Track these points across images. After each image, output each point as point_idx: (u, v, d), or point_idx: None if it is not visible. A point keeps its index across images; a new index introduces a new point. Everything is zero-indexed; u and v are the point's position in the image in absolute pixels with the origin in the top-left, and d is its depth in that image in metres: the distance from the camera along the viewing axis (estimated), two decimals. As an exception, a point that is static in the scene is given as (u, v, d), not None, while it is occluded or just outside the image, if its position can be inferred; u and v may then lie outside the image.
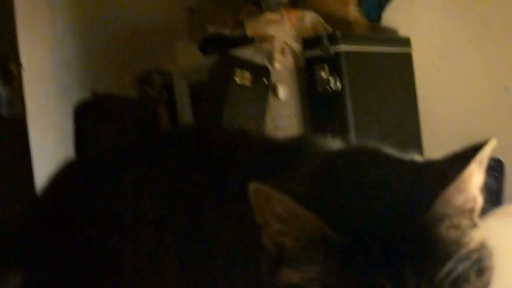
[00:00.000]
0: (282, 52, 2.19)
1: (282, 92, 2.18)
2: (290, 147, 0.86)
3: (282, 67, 2.18)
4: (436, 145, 2.30)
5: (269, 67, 2.19)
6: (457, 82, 2.36)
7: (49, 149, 2.52)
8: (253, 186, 0.63)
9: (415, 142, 2.31)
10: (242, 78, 2.14)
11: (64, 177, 1.02)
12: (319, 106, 2.15)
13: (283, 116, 2.21)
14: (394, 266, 0.60)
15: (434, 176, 0.65)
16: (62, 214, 0.96)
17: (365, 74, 2.21)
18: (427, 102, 2.36)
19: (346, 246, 0.61)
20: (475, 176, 0.66)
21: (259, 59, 2.21)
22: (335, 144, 0.83)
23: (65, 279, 0.95)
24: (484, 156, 0.65)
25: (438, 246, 0.62)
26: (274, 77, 2.19)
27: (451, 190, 0.63)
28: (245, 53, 2.23)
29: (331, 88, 2.08)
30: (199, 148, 0.93)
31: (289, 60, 2.19)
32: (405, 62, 2.36)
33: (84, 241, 0.94)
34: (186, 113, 2.34)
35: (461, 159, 0.64)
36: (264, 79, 2.17)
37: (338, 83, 2.07)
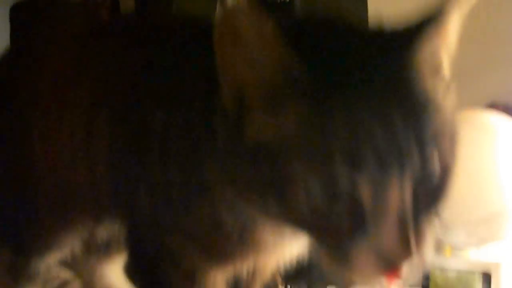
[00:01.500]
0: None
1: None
2: None
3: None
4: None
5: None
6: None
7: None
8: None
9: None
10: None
11: None
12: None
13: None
14: (379, 107, 0.59)
15: (415, 22, 0.64)
16: None
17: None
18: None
19: (316, 88, 0.59)
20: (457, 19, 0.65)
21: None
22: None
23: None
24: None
25: (421, 91, 0.61)
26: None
27: (435, 29, 0.62)
28: None
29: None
30: (136, 31, 0.91)
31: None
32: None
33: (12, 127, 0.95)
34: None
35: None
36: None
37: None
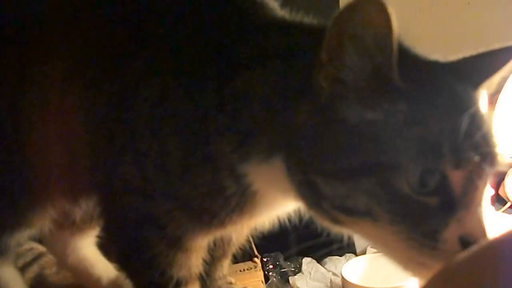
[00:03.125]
0: None
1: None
2: None
3: None
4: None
5: None
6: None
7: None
8: None
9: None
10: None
11: None
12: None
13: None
14: (474, 116, 0.64)
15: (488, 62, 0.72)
16: None
17: None
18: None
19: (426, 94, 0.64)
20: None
21: None
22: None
23: None
24: None
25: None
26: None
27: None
28: None
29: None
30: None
31: None
32: None
33: None
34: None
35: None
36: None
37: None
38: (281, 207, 0.81)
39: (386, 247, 0.66)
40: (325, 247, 1.58)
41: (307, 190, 0.68)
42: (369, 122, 0.63)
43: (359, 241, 1.58)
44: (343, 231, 0.71)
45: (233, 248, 1.03)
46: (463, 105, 0.64)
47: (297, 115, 0.67)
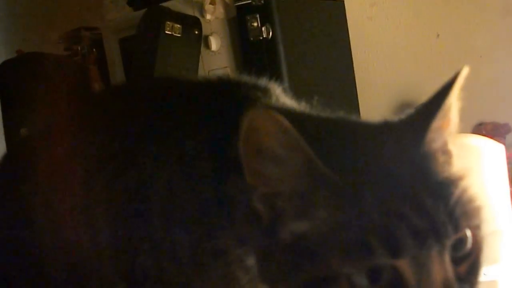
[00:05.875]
0: (213, 2, 2.15)
1: (214, 43, 2.15)
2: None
3: (213, 18, 2.15)
4: (369, 92, 2.32)
5: (200, 18, 2.15)
6: (390, 31, 2.35)
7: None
8: (255, 111, 0.61)
9: (349, 90, 2.30)
10: (173, 30, 2.10)
11: None
12: (251, 56, 2.11)
13: (216, 68, 2.18)
14: (408, 190, 0.61)
15: (421, 112, 0.69)
16: None
17: (297, 22, 2.17)
18: (360, 51, 2.35)
19: (344, 185, 0.61)
20: (455, 103, 0.70)
21: (189, 10, 2.17)
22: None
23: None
24: (460, 83, 0.69)
25: (439, 172, 0.64)
26: (205, 29, 2.16)
27: (439, 118, 0.67)
28: (175, 5, 2.18)
29: (263, 37, 2.05)
30: (129, 103, 0.92)
31: (220, 11, 2.15)
32: (337, 10, 2.32)
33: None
34: (117, 69, 2.31)
35: (442, 91, 0.68)
36: (195, 31, 2.13)
37: (270, 32, 2.05)
38: None
39: None
40: None
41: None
42: (301, 236, 0.62)
43: None
44: None
45: None
46: (395, 183, 0.61)
47: (250, 236, 0.68)
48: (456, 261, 0.62)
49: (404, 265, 0.59)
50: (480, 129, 2.13)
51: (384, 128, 0.69)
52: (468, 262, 0.64)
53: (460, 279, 0.62)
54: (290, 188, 0.63)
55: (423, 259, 0.59)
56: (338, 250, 0.59)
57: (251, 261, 0.72)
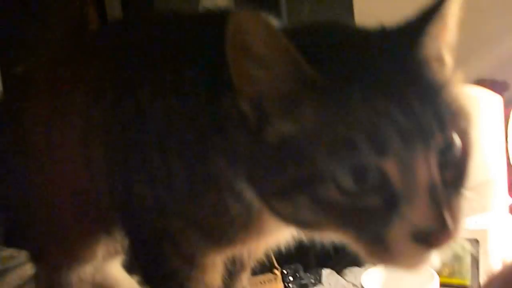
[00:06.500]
0: None
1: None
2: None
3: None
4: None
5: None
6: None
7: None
8: (242, 13, 0.60)
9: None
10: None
11: None
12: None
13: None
14: (396, 91, 0.61)
15: (419, 17, 0.68)
16: None
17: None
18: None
19: (332, 86, 0.61)
20: (455, 11, 0.69)
21: None
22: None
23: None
24: None
25: (431, 77, 0.64)
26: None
27: (436, 23, 0.66)
28: None
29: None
30: (128, 35, 0.92)
31: None
32: None
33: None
34: (115, 8, 2.26)
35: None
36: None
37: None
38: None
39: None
40: (345, 258, 1.59)
41: (270, 210, 0.69)
42: (288, 137, 0.63)
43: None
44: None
45: (252, 263, 1.06)
46: (384, 85, 0.61)
47: (239, 143, 0.69)
48: (443, 166, 0.62)
49: (389, 165, 0.59)
50: (479, 85, 2.13)
51: (379, 32, 0.69)
52: (456, 168, 0.64)
53: (447, 184, 0.62)
54: (276, 89, 0.64)
55: (408, 160, 0.59)
56: (324, 148, 0.60)
57: (240, 185, 0.73)
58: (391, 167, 0.59)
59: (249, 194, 0.73)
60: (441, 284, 1.24)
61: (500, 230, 1.31)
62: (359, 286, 1.29)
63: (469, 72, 2.04)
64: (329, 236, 0.69)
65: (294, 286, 1.57)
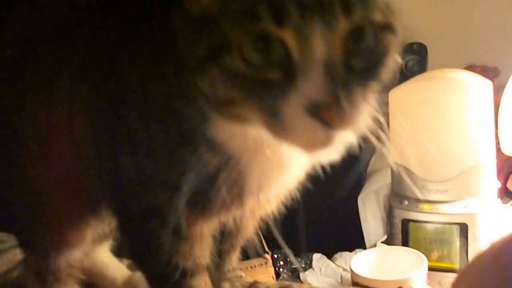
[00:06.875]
0: None
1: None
2: None
3: None
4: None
5: None
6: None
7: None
8: None
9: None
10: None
11: None
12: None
13: None
14: None
15: None
16: None
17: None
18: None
19: None
20: None
21: None
22: None
23: None
24: None
25: None
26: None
27: None
28: None
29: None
30: (110, 11, 0.90)
31: None
32: None
33: None
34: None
35: None
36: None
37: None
38: (270, 182, 0.82)
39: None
40: (335, 242, 1.60)
41: (197, 94, 0.70)
42: (205, 9, 0.66)
43: (369, 236, 1.60)
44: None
45: (241, 241, 1.06)
46: None
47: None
48: (352, 53, 0.63)
49: (287, 36, 0.61)
50: (470, 71, 2.14)
51: None
52: (367, 59, 0.65)
53: (353, 70, 0.63)
54: None
55: (305, 32, 0.60)
56: (231, 18, 0.63)
57: (212, 132, 0.75)
58: (289, 39, 0.61)
59: (222, 139, 0.75)
60: (430, 268, 1.25)
61: (489, 214, 1.32)
62: (349, 270, 1.30)
63: (460, 58, 2.05)
64: (239, 113, 0.69)
65: (285, 270, 1.58)
